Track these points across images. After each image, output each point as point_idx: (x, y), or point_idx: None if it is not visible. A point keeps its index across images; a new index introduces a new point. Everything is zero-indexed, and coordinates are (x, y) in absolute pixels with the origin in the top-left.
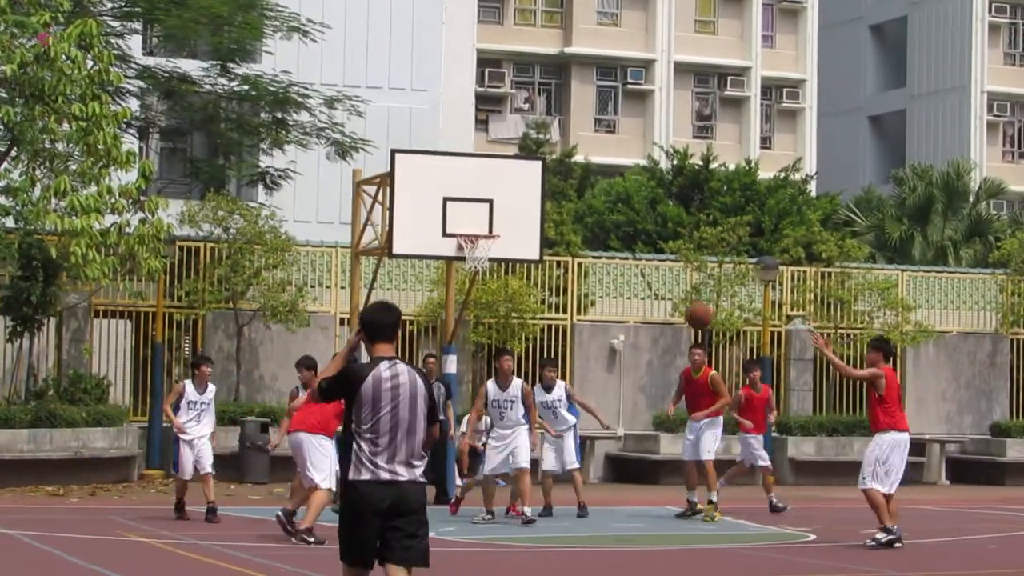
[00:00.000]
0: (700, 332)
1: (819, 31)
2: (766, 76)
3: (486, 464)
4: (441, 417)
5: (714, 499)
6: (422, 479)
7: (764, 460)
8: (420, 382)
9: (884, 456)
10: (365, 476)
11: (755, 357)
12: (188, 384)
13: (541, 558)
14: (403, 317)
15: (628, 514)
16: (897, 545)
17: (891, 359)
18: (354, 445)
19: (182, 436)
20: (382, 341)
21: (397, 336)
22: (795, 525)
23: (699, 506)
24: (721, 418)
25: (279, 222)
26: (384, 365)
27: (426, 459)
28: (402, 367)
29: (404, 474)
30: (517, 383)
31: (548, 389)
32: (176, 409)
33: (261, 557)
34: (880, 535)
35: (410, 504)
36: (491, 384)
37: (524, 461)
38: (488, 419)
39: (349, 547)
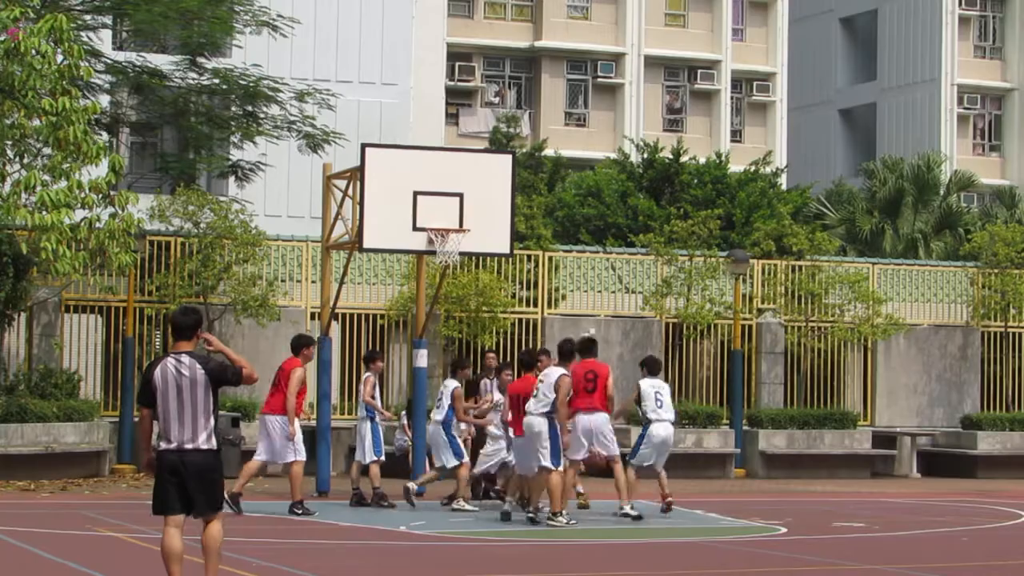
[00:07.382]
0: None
1: (789, 24)
2: (736, 69)
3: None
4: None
5: None
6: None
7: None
8: (200, 371)
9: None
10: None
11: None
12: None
13: (511, 551)
14: (374, 311)
15: (598, 508)
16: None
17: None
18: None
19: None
20: (181, 339)
21: (196, 335)
22: (766, 518)
23: None
24: None
25: (249, 216)
26: (170, 360)
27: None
28: (187, 359)
29: (189, 445)
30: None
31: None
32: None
33: (232, 552)
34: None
35: (198, 468)
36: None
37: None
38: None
39: (157, 501)
